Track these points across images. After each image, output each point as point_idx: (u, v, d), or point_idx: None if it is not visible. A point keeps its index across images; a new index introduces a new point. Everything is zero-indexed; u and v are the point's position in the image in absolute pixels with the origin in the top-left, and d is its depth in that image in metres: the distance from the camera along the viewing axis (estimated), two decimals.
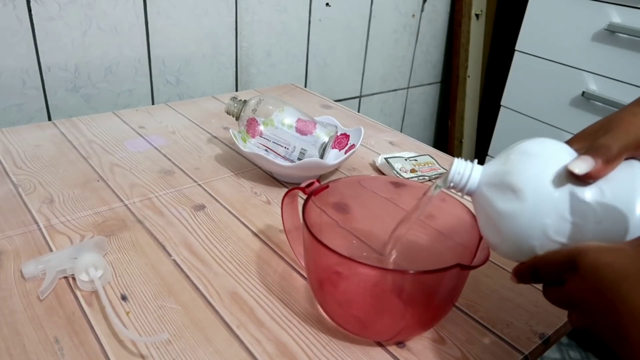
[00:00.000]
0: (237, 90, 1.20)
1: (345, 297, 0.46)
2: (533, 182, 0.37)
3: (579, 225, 0.36)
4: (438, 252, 0.51)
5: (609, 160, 0.36)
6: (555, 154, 0.38)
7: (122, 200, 0.66)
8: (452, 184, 0.42)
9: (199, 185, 0.72)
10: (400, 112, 1.65)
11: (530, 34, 1.33)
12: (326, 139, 0.74)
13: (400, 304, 0.44)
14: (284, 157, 0.75)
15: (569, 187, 0.36)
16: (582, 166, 0.36)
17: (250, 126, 0.75)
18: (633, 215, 0.35)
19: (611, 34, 1.16)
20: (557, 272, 0.35)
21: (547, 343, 0.49)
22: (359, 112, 1.35)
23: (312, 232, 0.43)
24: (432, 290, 0.44)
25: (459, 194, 0.43)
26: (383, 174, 0.79)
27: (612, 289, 0.31)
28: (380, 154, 0.81)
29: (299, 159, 0.74)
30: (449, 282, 0.43)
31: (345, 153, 0.76)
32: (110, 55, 0.99)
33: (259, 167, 0.78)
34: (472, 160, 0.42)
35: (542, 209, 0.36)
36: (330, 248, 0.41)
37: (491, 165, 0.41)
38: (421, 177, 0.76)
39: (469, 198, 0.43)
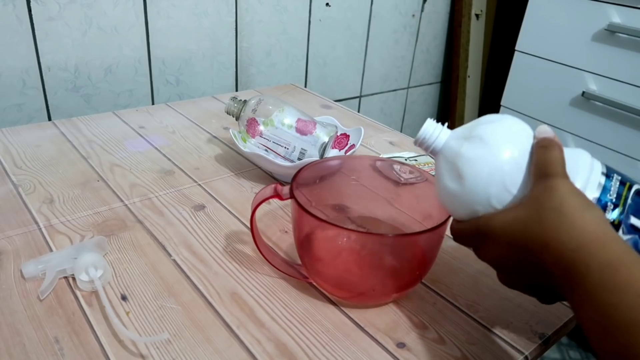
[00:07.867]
0: (237, 90, 1.20)
1: (321, 254, 0.54)
2: (499, 135, 0.42)
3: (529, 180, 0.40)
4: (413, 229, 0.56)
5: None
6: (516, 120, 0.44)
7: (122, 200, 0.66)
8: (422, 139, 0.45)
9: (199, 185, 0.72)
10: (400, 112, 1.65)
11: (530, 34, 1.33)
12: (326, 139, 0.74)
13: (363, 262, 0.51)
14: (284, 157, 0.75)
15: (527, 145, 0.41)
16: (547, 130, 0.42)
17: (250, 126, 0.75)
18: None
19: (611, 34, 1.16)
20: (471, 242, 0.44)
21: (547, 343, 0.49)
22: (359, 112, 1.35)
23: (299, 203, 0.48)
24: (390, 253, 0.51)
25: (425, 152, 0.46)
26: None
27: (521, 237, 0.38)
28: (380, 154, 0.81)
29: (299, 159, 0.74)
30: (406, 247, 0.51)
31: (345, 153, 0.76)
32: (110, 55, 0.99)
33: (259, 167, 0.78)
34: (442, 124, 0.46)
35: (503, 157, 0.40)
36: (310, 213, 0.47)
37: (458, 128, 0.46)
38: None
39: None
